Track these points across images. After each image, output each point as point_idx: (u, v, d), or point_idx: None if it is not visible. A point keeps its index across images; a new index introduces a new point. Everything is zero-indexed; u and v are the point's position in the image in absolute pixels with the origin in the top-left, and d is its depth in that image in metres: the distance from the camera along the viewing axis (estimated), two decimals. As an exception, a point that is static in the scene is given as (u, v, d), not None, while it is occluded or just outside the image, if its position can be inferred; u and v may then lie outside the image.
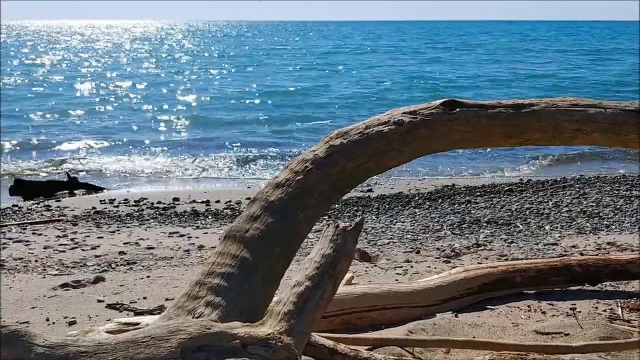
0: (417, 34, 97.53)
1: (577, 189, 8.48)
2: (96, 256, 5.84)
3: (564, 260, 4.43)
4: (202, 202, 8.56)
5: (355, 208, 7.95)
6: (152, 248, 6.16)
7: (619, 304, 4.08)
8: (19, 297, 4.58)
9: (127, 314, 4.11)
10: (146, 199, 8.81)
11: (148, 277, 5.07)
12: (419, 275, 4.86)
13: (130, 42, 73.31)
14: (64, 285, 4.82)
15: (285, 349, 2.15)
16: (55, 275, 5.22)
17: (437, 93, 22.34)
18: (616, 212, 7.15)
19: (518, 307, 4.07)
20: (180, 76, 31.74)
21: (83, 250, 6.09)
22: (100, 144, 14.45)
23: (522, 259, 5.11)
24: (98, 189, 9.99)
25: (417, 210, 7.76)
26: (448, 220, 7.11)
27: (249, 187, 9.98)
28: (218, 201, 8.62)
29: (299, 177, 2.75)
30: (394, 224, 7.04)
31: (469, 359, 3.28)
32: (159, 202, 8.55)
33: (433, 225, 6.89)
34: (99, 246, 6.22)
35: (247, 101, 22.15)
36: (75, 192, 9.80)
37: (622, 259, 4.46)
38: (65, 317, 4.12)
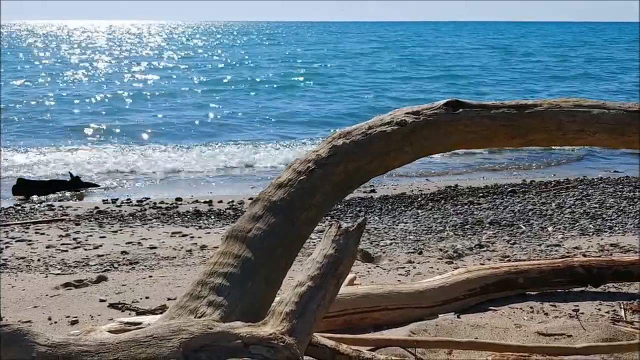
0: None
1: (581, 190, 8.46)
2: (98, 256, 5.85)
3: (566, 262, 4.43)
4: (204, 202, 8.55)
5: (358, 208, 7.94)
6: (155, 248, 6.16)
7: (622, 306, 4.07)
8: (22, 296, 4.58)
9: (129, 314, 4.11)
10: (148, 198, 8.82)
11: (150, 276, 5.08)
12: (422, 276, 4.85)
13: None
14: (67, 285, 4.83)
15: (287, 349, 2.14)
16: (58, 274, 5.22)
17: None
18: (619, 213, 7.13)
19: (520, 309, 4.06)
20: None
21: (85, 249, 6.10)
22: (104, 144, 14.47)
23: (524, 260, 5.10)
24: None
25: (419, 211, 7.75)
26: (451, 221, 7.10)
27: (252, 187, 9.98)
28: (221, 201, 8.62)
29: (301, 178, 2.74)
30: (397, 225, 7.03)
31: (471, 360, 3.28)
32: (162, 202, 8.55)
33: (436, 226, 6.88)
34: (101, 246, 6.23)
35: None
36: (78, 191, 9.81)
37: (625, 260, 4.46)
38: (68, 317, 4.12)
